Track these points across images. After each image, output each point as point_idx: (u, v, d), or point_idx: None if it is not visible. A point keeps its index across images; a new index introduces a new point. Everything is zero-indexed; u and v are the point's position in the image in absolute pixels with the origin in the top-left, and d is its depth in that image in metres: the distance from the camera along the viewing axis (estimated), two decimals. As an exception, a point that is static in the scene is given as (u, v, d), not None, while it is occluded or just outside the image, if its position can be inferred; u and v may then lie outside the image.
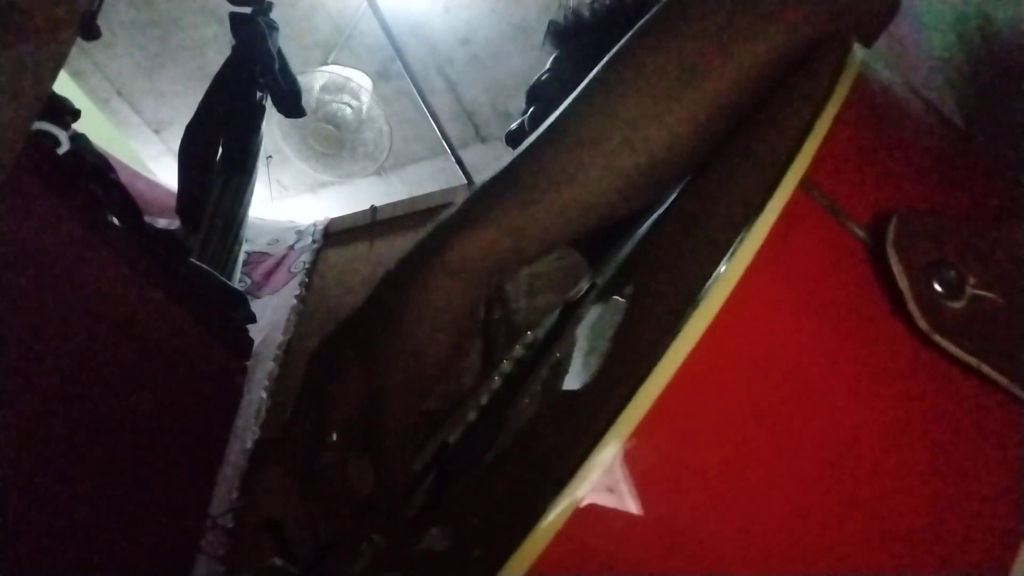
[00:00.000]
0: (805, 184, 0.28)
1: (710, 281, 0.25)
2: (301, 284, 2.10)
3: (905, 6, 0.54)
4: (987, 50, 0.55)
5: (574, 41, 0.79)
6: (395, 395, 0.37)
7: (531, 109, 0.78)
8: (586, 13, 0.79)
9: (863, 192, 0.30)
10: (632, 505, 0.23)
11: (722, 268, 0.25)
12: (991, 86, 0.55)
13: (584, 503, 0.22)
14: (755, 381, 0.25)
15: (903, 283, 0.27)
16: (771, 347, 0.26)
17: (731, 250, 0.26)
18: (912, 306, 0.26)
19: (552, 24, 0.82)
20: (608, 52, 0.41)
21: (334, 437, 0.37)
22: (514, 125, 0.79)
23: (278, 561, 0.59)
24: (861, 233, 0.28)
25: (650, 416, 0.23)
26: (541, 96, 0.78)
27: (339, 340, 0.40)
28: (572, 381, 0.31)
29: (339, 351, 0.39)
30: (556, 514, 0.22)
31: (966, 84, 0.58)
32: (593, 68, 0.41)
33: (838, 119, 0.30)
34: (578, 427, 0.25)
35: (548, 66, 0.80)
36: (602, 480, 0.23)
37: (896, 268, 0.27)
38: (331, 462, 0.37)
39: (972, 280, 0.27)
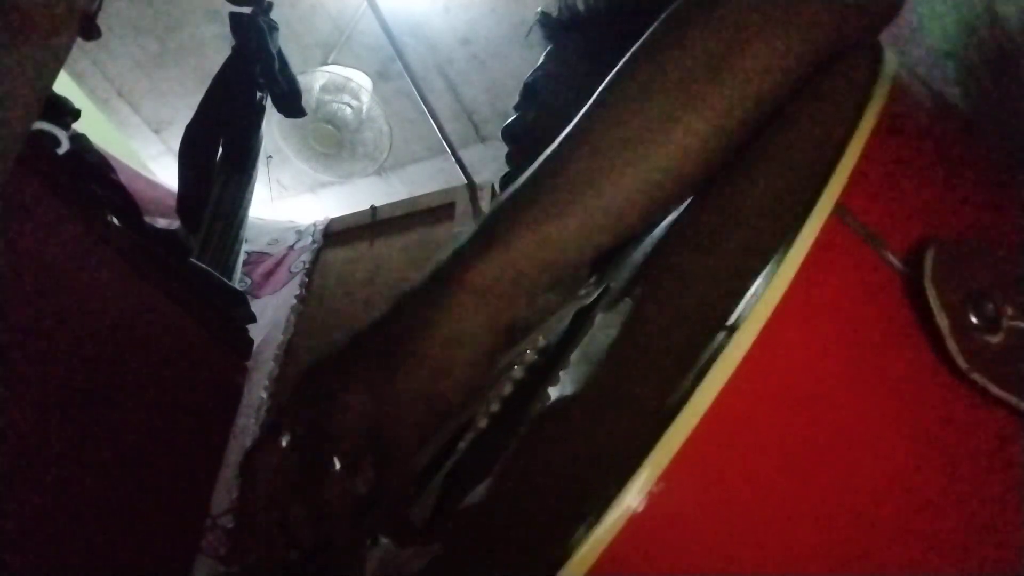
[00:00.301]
0: (839, 209, 0.26)
1: (740, 314, 0.24)
2: (301, 284, 2.10)
3: (905, 13, 0.53)
4: (990, 43, 0.54)
5: (567, 35, 0.77)
6: (408, 422, 0.35)
7: (526, 109, 0.77)
8: (580, 7, 0.76)
9: (899, 218, 0.28)
10: (670, 532, 0.22)
11: (752, 299, 0.24)
12: (994, 80, 0.55)
13: (620, 532, 0.22)
14: (789, 420, 0.24)
15: (942, 320, 0.26)
16: (806, 385, 0.25)
17: (763, 279, 0.25)
18: (951, 343, 0.25)
19: (543, 16, 0.79)
20: (604, 47, 0.39)
21: (337, 466, 0.35)
22: (510, 121, 0.78)
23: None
24: (898, 264, 0.27)
25: (685, 448, 0.22)
26: (538, 92, 0.76)
27: (345, 359, 0.37)
28: (595, 401, 0.30)
29: (345, 371, 0.36)
30: (596, 538, 0.22)
31: (968, 78, 0.57)
32: (590, 63, 0.39)
33: (872, 137, 0.29)
34: (614, 456, 0.24)
35: (542, 61, 0.78)
36: (641, 505, 0.22)
37: (935, 304, 0.26)
38: (335, 491, 0.35)
39: (1009, 311, 0.27)
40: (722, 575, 0.23)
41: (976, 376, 0.25)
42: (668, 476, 0.22)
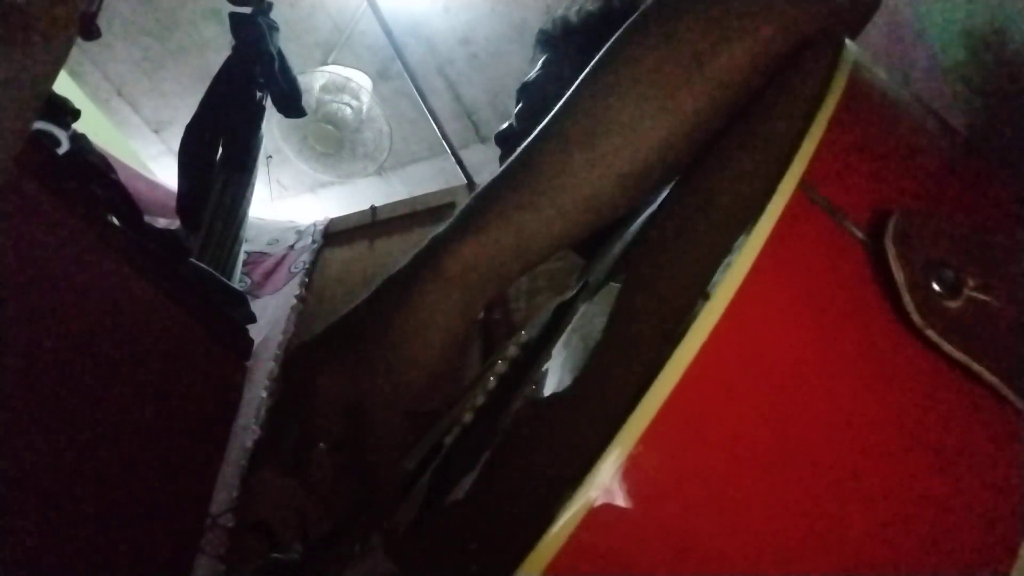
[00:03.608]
0: (804, 185, 0.28)
1: (712, 284, 0.25)
2: (301, 284, 2.10)
3: (908, 21, 0.54)
4: (990, 46, 0.54)
5: (563, 45, 0.79)
6: (383, 406, 0.36)
7: (519, 107, 0.78)
8: (573, 19, 0.79)
9: (861, 192, 0.30)
10: (643, 507, 0.23)
11: (724, 271, 0.25)
12: (994, 83, 0.55)
13: (597, 504, 0.22)
14: (758, 383, 0.25)
15: (899, 277, 0.27)
16: (773, 349, 0.26)
17: (733, 253, 0.26)
18: (907, 300, 0.26)
19: (540, 33, 0.82)
20: (596, 52, 0.40)
21: (321, 446, 0.37)
22: (504, 126, 0.79)
23: (278, 556, 0.60)
24: (860, 234, 0.28)
25: (658, 419, 0.23)
26: (532, 94, 0.78)
27: (324, 345, 0.38)
28: (574, 383, 0.31)
29: (324, 357, 0.37)
30: (569, 516, 0.22)
31: (968, 81, 0.57)
32: (581, 67, 0.40)
33: (834, 119, 0.30)
34: (588, 428, 0.25)
35: (539, 66, 0.80)
36: (614, 482, 0.23)
37: (893, 262, 0.27)
38: (320, 471, 0.37)
39: (971, 283, 0.28)
40: (696, 548, 0.23)
41: (930, 333, 0.26)
42: (642, 446, 0.23)
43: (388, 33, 2.40)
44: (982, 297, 0.28)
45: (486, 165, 2.75)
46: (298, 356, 0.39)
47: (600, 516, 0.22)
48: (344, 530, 0.57)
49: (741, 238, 0.26)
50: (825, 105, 0.30)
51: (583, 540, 0.22)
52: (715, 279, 0.25)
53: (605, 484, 0.22)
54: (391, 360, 0.36)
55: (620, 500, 0.23)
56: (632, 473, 0.23)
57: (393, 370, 0.36)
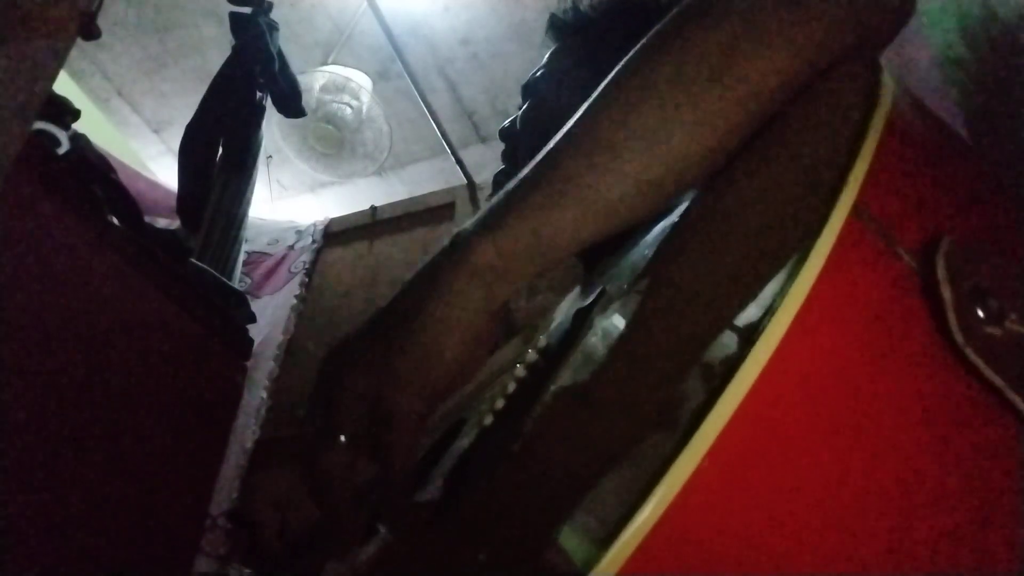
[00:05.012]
0: (857, 208, 0.28)
1: (771, 308, 0.25)
2: (301, 284, 2.10)
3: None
4: (990, 45, 0.54)
5: (572, 37, 0.79)
6: (404, 399, 0.36)
7: (525, 105, 0.78)
8: (586, 9, 0.78)
9: (911, 216, 0.30)
10: (705, 523, 0.23)
11: (783, 295, 0.25)
12: (994, 81, 0.55)
13: (660, 516, 0.23)
14: (814, 404, 0.25)
15: (946, 295, 0.27)
16: (828, 372, 0.26)
17: (790, 277, 0.26)
18: (952, 319, 0.27)
19: (553, 17, 0.81)
20: (605, 50, 0.40)
21: (342, 439, 0.37)
22: (507, 122, 0.79)
23: (245, 570, 0.60)
24: (910, 259, 0.28)
25: (721, 439, 0.23)
26: (536, 92, 0.77)
27: (353, 340, 0.39)
28: (598, 396, 0.31)
29: (352, 351, 0.39)
30: (640, 522, 0.22)
31: (968, 79, 0.57)
32: (590, 65, 0.40)
33: (882, 142, 0.30)
34: (616, 449, 0.25)
35: (544, 62, 0.80)
36: (679, 496, 0.23)
37: (942, 282, 0.27)
38: (337, 463, 0.37)
39: (1012, 315, 0.28)
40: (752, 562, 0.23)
41: (969, 351, 0.27)
42: (695, 480, 0.23)
43: (388, 33, 2.40)
44: (1022, 330, 0.28)
45: (486, 165, 2.75)
46: (330, 357, 0.40)
47: (662, 530, 0.22)
48: (334, 529, 0.57)
49: (791, 264, 0.26)
50: (874, 125, 0.30)
51: (647, 552, 0.22)
52: (775, 301, 0.25)
53: (654, 516, 0.23)
54: (415, 361, 0.36)
55: (681, 517, 0.23)
56: (682, 506, 0.23)
57: (418, 371, 0.36)
